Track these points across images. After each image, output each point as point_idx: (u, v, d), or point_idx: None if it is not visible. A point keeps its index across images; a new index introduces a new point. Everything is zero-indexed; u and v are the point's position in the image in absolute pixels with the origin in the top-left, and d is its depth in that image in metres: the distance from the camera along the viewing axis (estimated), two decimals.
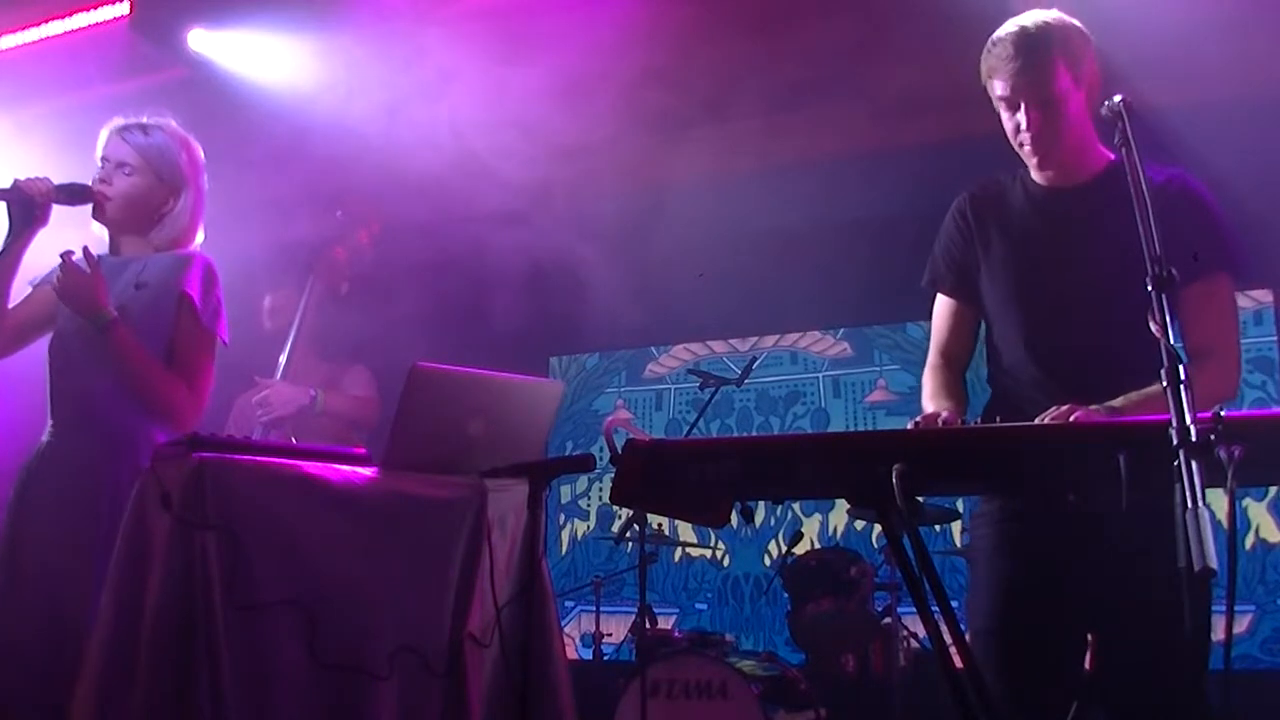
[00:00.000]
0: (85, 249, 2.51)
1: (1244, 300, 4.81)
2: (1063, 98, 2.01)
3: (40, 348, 2.61)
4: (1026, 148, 2.08)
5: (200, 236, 2.73)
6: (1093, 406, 1.79)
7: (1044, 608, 1.96)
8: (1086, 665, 1.88)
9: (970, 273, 2.21)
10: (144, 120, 2.65)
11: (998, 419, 1.88)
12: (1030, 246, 2.12)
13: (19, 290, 2.62)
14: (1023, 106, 2.03)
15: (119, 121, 2.64)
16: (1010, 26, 2.05)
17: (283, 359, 3.67)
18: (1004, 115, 2.09)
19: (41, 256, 2.60)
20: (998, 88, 2.06)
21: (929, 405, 2.12)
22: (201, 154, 2.72)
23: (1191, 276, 1.94)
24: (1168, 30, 3.56)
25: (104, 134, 2.64)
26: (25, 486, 2.46)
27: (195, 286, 2.53)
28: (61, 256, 2.46)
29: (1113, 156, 2.09)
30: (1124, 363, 1.79)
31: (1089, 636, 1.92)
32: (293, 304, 3.77)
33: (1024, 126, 2.04)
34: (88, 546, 2.29)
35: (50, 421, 2.52)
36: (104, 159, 2.62)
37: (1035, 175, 2.16)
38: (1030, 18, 2.05)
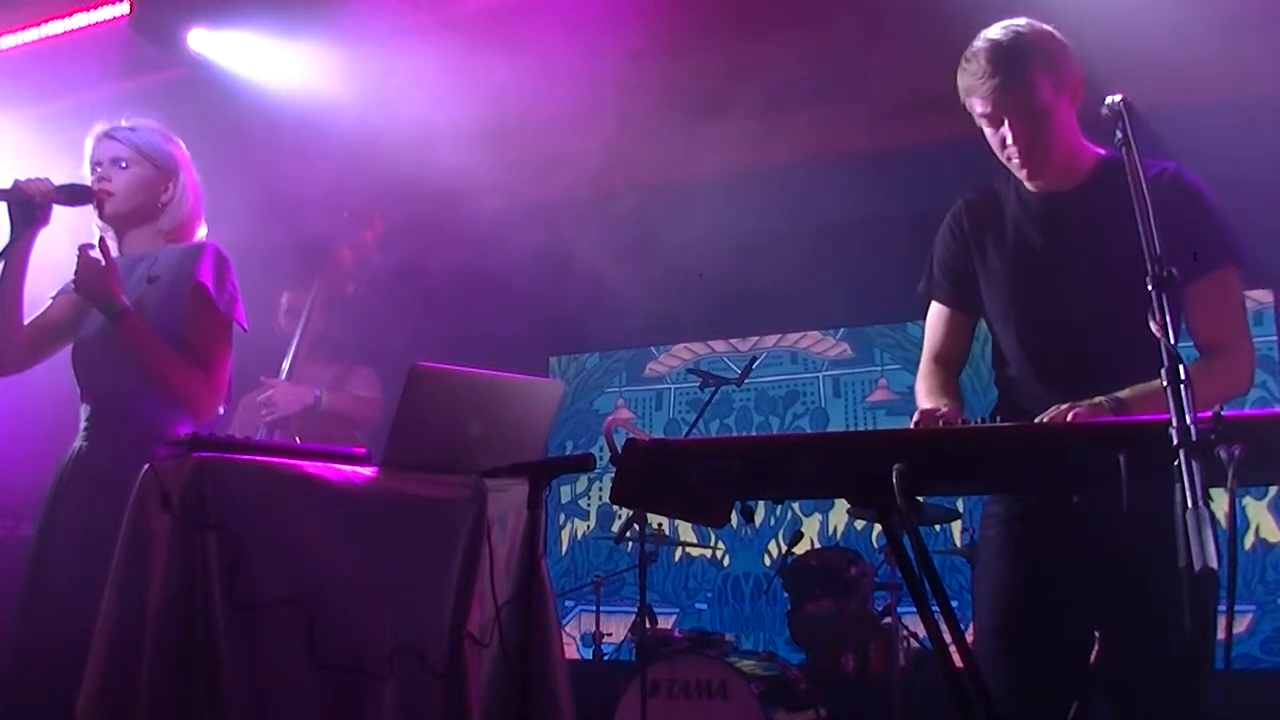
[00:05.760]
0: (102, 240, 2.54)
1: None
2: (1047, 109, 1.97)
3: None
4: (1015, 161, 2.04)
5: (203, 230, 2.74)
6: (1099, 399, 1.80)
7: (1049, 607, 1.96)
8: (1092, 663, 1.88)
9: (966, 280, 2.21)
10: (125, 121, 2.68)
11: (997, 419, 1.89)
12: (1027, 251, 2.12)
13: (38, 301, 2.63)
14: (1006, 122, 1.99)
15: (102, 126, 2.67)
16: (980, 41, 2.00)
17: (288, 359, 3.67)
18: (988, 131, 2.06)
19: (42, 267, 2.61)
20: (977, 105, 2.01)
21: (924, 404, 2.12)
22: (185, 150, 2.74)
23: (1196, 272, 1.94)
24: (1167, 30, 3.56)
25: (89, 142, 2.66)
26: (58, 491, 2.47)
27: (208, 275, 2.54)
28: (79, 249, 2.49)
29: (1101, 152, 2.08)
30: (1126, 361, 1.79)
31: (1095, 635, 1.93)
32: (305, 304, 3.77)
33: (1010, 141, 2.01)
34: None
35: (82, 426, 2.54)
36: (96, 162, 2.63)
37: (1027, 182, 2.15)
38: (1000, 29, 2.00)
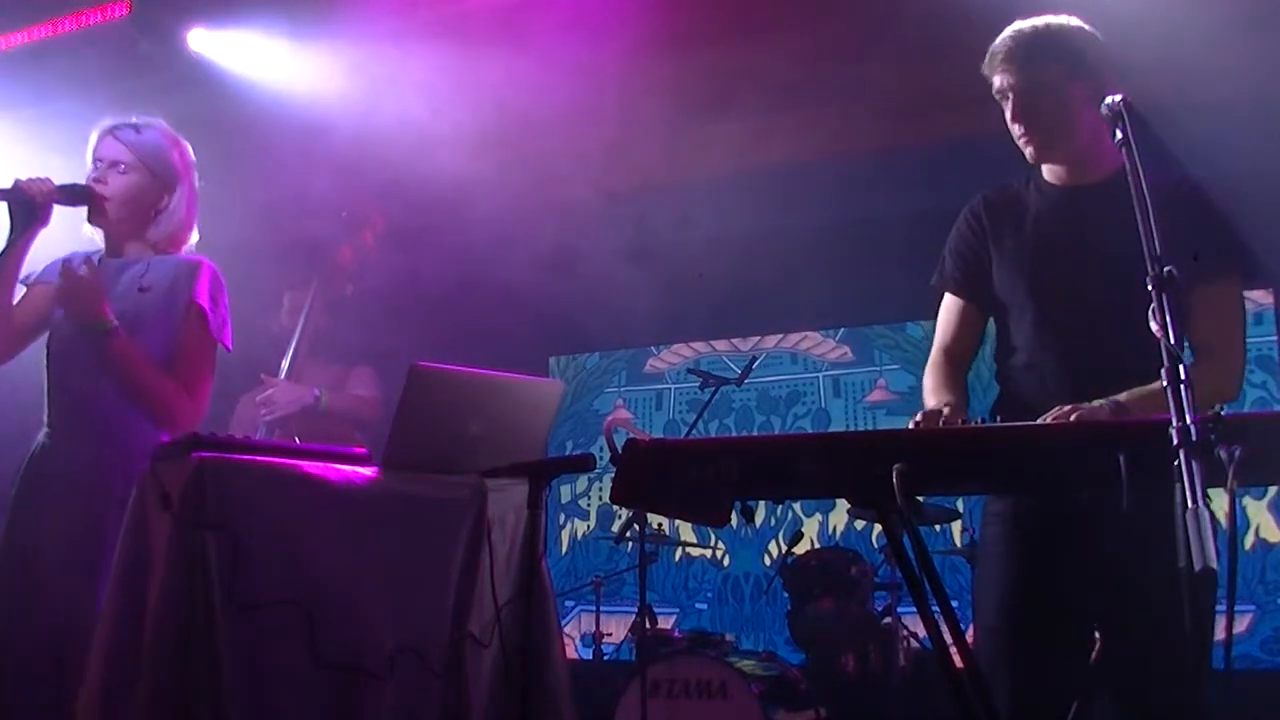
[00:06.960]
0: (89, 257, 2.52)
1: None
2: (1051, 87, 2.04)
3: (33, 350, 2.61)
4: (1022, 139, 2.10)
5: (195, 236, 2.73)
6: (1098, 401, 1.80)
7: (1051, 607, 1.96)
8: (1092, 662, 1.88)
9: (980, 273, 2.22)
10: (134, 120, 2.65)
11: (998, 419, 1.89)
12: (1046, 243, 2.13)
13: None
14: (1011, 96, 2.08)
15: (109, 122, 2.63)
16: (1010, 28, 2.11)
17: (286, 359, 3.67)
18: (1006, 112, 2.13)
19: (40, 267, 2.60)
20: (995, 80, 2.10)
21: (930, 400, 2.12)
22: (191, 153, 2.72)
23: (1201, 278, 1.96)
24: (1168, 30, 3.56)
25: (94, 135, 2.63)
26: (25, 492, 2.45)
27: (205, 296, 2.54)
28: (63, 263, 2.46)
29: None
30: (1139, 358, 1.79)
31: (1096, 634, 1.93)
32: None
33: (1012, 114, 2.09)
34: (94, 557, 2.28)
35: (47, 424, 2.51)
36: (97, 160, 2.60)
37: (1048, 175, 2.17)
38: (1031, 20, 2.10)
